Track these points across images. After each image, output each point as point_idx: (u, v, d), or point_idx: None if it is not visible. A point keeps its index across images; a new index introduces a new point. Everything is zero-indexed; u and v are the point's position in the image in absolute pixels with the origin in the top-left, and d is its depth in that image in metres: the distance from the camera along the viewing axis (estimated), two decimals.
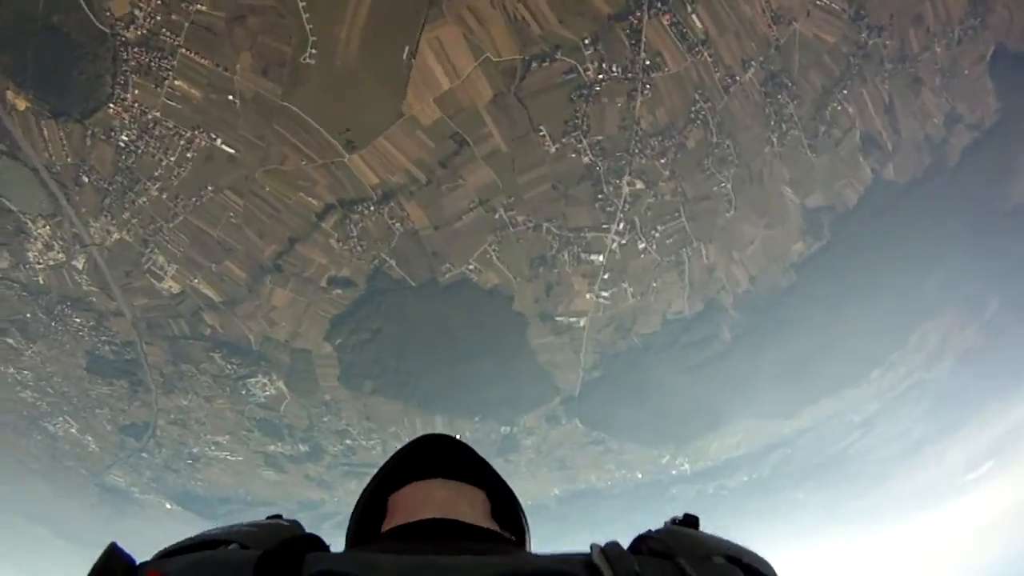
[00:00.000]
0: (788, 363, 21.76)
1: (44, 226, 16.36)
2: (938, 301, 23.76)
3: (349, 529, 1.27)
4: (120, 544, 0.78)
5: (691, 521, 1.04)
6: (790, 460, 27.23)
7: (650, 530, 0.99)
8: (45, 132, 14.74)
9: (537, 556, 0.82)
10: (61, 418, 23.05)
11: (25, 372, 20.91)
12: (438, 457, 1.30)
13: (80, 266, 17.22)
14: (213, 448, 22.58)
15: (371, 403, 20.16)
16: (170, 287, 17.57)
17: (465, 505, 1.18)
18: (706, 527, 1.02)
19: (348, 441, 21.84)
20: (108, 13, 13.24)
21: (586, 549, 0.83)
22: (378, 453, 21.22)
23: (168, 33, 13.52)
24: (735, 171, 17.28)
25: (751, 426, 25.07)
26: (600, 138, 15.60)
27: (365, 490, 1.29)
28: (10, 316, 18.44)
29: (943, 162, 19.62)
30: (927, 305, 23.75)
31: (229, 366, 19.26)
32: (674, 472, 25.23)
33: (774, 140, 17.25)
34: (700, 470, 25.99)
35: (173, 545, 0.90)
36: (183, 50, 13.70)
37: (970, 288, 23.49)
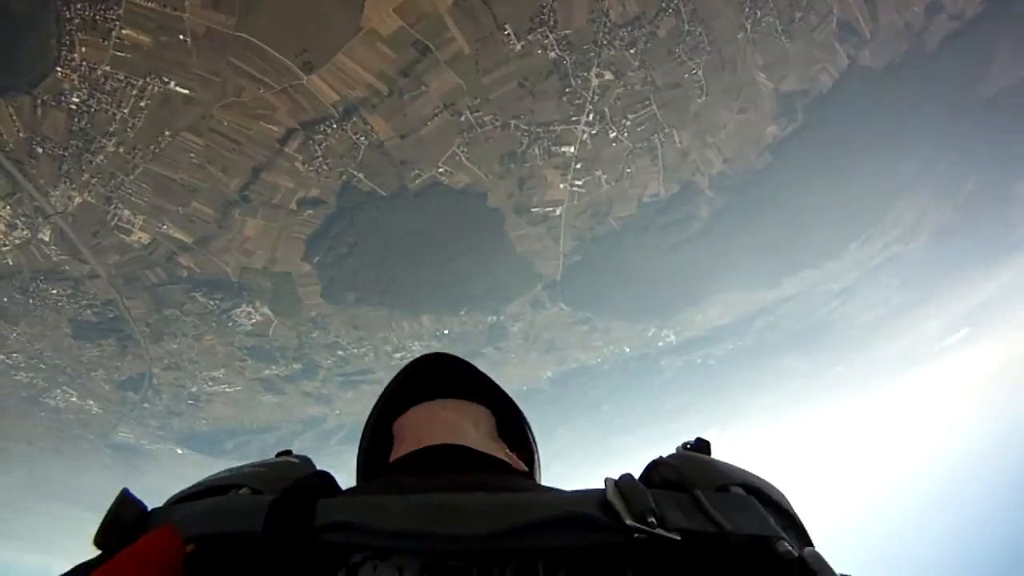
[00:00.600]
0: (767, 238, 22.14)
1: (4, 207, 15.53)
2: (913, 181, 24.07)
3: (358, 462, 1.25)
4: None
5: (703, 446, 1.01)
6: (774, 327, 28.25)
7: (661, 456, 0.96)
8: None
9: (550, 493, 0.79)
10: (59, 390, 23.12)
11: (15, 355, 20.73)
12: (439, 377, 1.26)
13: (47, 238, 16.54)
14: (211, 384, 22.90)
15: (357, 313, 20.31)
16: (140, 238, 17.08)
17: (471, 425, 1.15)
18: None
19: (340, 352, 22.14)
20: None
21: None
22: (371, 359, 21.75)
23: None
24: (707, 58, 16.66)
25: (733, 297, 25.74)
26: (568, 32, 14.82)
27: (368, 419, 1.26)
28: None
29: (921, 49, 19.06)
30: (903, 184, 24.08)
31: (212, 302, 19.18)
32: (660, 344, 26.02)
33: (748, 26, 16.55)
34: (685, 340, 26.74)
35: (183, 491, 0.87)
36: None
37: (946, 169, 23.84)
